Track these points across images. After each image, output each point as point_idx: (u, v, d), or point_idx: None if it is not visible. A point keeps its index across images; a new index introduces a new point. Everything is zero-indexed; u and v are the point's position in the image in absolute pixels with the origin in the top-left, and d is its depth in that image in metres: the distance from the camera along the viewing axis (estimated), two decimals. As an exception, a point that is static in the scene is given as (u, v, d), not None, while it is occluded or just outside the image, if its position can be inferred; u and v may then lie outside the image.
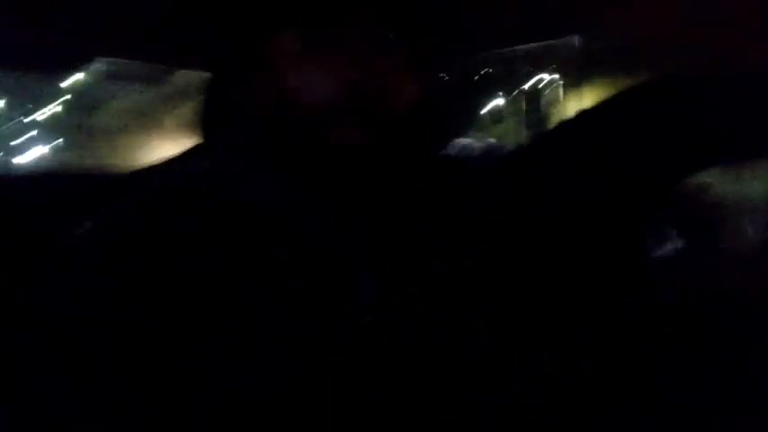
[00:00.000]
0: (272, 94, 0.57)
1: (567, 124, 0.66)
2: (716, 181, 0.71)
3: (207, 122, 0.63)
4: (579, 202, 0.62)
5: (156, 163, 0.63)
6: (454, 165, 0.66)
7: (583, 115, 0.64)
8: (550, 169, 0.65)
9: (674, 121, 0.61)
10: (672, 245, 0.71)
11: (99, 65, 1.49)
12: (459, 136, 0.69)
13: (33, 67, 1.56)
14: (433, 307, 0.58)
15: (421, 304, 0.58)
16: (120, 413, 0.54)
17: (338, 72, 0.55)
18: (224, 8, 0.60)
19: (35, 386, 0.55)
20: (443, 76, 0.71)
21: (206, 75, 0.65)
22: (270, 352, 0.54)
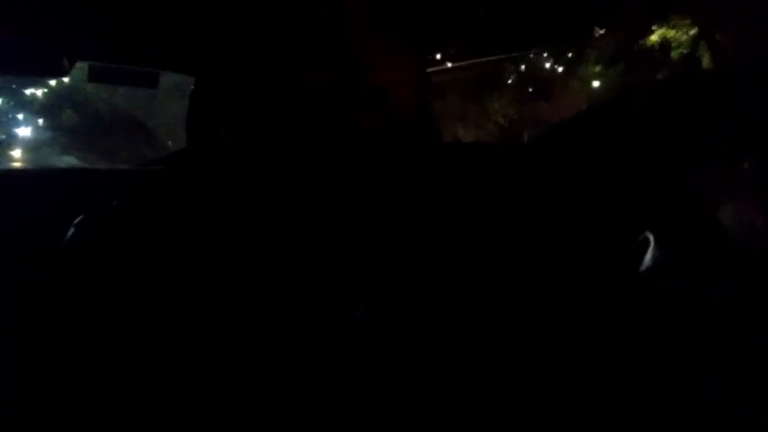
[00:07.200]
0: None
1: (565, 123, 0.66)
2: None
3: (202, 122, 0.63)
4: (577, 204, 0.62)
5: (149, 163, 0.62)
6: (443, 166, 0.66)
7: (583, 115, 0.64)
8: (549, 169, 0.64)
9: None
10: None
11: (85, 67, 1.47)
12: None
13: (19, 69, 1.56)
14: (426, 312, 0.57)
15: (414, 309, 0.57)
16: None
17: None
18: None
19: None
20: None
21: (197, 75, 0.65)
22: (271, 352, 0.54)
